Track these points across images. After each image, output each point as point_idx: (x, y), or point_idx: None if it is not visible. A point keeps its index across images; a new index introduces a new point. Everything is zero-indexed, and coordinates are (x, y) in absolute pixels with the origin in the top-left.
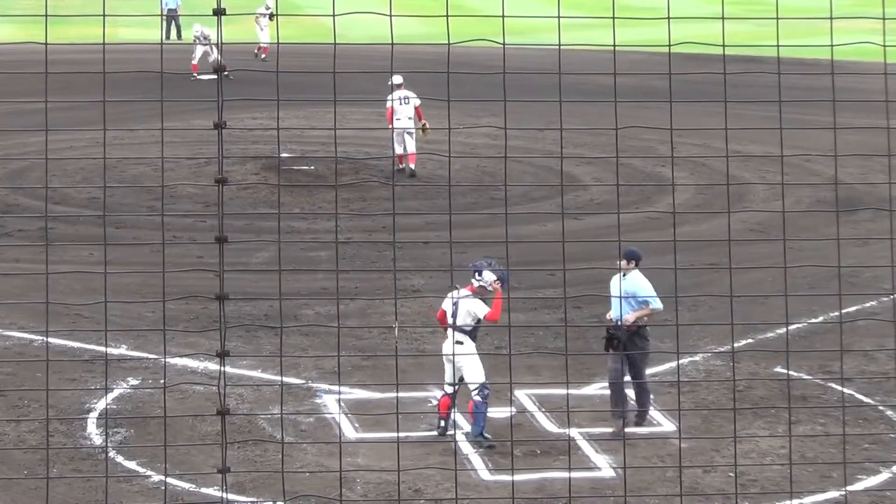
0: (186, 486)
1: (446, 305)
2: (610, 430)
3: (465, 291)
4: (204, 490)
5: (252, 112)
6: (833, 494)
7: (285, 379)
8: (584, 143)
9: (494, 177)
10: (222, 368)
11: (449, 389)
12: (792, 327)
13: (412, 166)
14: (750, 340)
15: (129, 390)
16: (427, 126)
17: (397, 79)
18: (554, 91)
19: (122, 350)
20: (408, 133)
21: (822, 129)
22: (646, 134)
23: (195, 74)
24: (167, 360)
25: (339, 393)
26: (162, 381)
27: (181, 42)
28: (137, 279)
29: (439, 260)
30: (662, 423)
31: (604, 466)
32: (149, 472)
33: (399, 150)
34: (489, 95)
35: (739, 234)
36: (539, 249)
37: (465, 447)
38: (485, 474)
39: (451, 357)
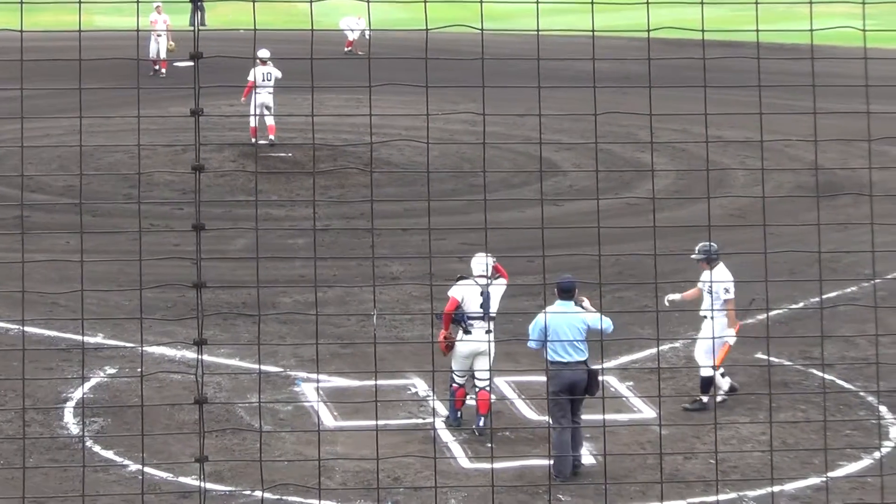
0: (164, 475)
1: (458, 293)
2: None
3: (481, 280)
4: (181, 479)
5: (229, 99)
6: (814, 480)
7: (263, 367)
8: (564, 128)
9: (473, 163)
10: (200, 357)
11: (462, 380)
12: (772, 313)
13: (272, 137)
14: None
15: (105, 379)
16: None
17: (264, 53)
18: (533, 77)
19: (99, 339)
20: (266, 107)
21: (802, 115)
22: (625, 119)
23: (161, 70)
24: (144, 348)
25: (318, 381)
26: (139, 369)
27: (205, 28)
28: (114, 267)
29: (418, 247)
30: (643, 409)
31: (584, 453)
32: (126, 462)
33: (253, 123)
34: (468, 81)
35: (719, 220)
36: (518, 236)
37: (445, 435)
38: (464, 462)
39: (484, 349)
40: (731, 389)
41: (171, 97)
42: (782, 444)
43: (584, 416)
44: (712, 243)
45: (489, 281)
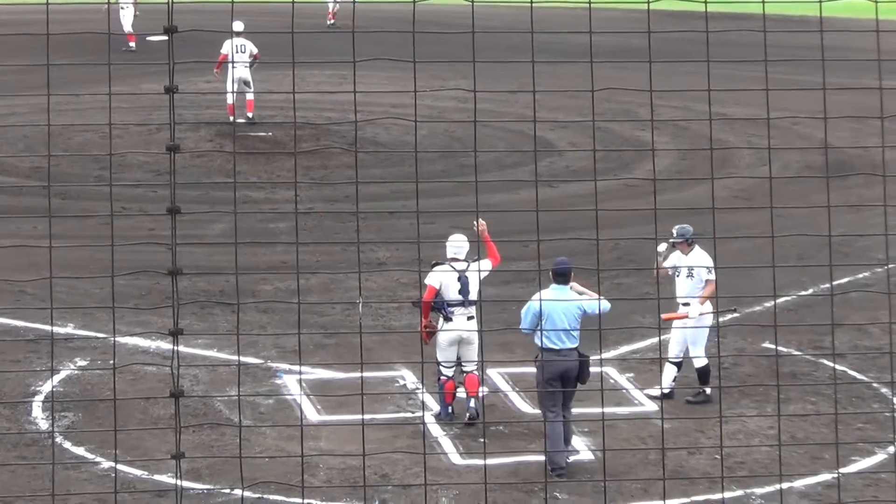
0: (138, 472)
1: (435, 280)
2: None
3: (458, 264)
4: (157, 477)
5: (205, 75)
6: (825, 477)
7: (243, 358)
8: (559, 105)
9: (464, 142)
10: (175, 348)
11: (450, 372)
12: (780, 300)
13: (250, 114)
14: (736, 314)
15: (76, 372)
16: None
17: (238, 25)
18: (526, 51)
19: (69, 329)
20: (244, 82)
21: (810, 90)
22: (624, 96)
23: (130, 44)
24: (117, 339)
25: (300, 373)
26: (111, 361)
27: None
28: (84, 254)
29: (406, 231)
30: (644, 402)
31: (582, 449)
32: (98, 459)
33: (231, 101)
34: (457, 55)
35: (724, 202)
36: (511, 219)
37: (435, 429)
38: (455, 458)
39: (466, 336)
40: (704, 376)
41: (144, 73)
42: (791, 439)
43: (582, 409)
44: (687, 226)
45: (467, 264)
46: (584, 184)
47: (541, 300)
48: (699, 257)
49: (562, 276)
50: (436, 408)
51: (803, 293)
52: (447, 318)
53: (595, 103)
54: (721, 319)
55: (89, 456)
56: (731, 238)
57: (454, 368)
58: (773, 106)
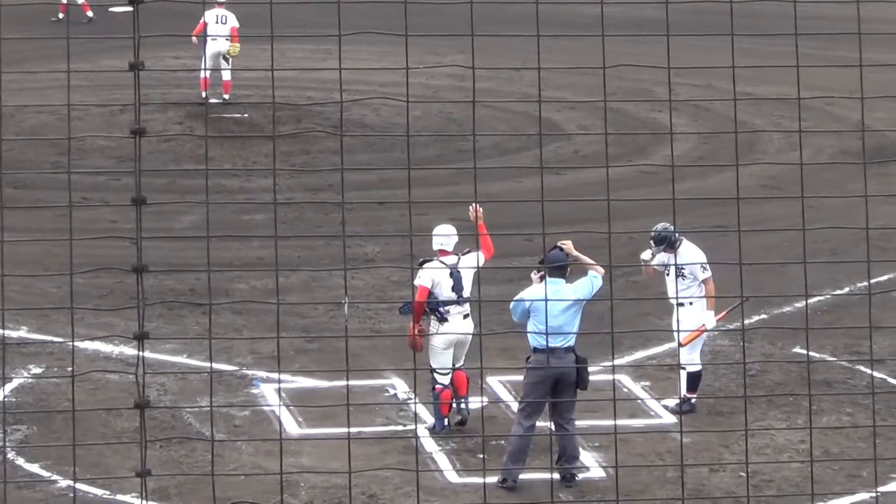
0: (99, 492)
1: (427, 280)
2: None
3: (448, 259)
4: (120, 497)
5: (174, 50)
6: (863, 496)
7: (215, 365)
8: (567, 84)
9: (461, 125)
10: (140, 353)
11: (446, 380)
12: (812, 300)
13: (226, 96)
14: (763, 316)
15: (30, 380)
16: (234, 49)
17: None
18: (531, 23)
19: (22, 332)
20: (223, 57)
21: (846, 67)
22: (639, 73)
23: (87, 13)
24: (75, 343)
25: (279, 381)
26: (69, 368)
27: None
28: (40, 248)
29: (396, 223)
30: (661, 414)
31: (593, 465)
32: (55, 477)
33: (205, 75)
34: (454, 29)
35: (750, 191)
36: (514, 210)
37: (429, 444)
38: (452, 476)
39: (464, 338)
40: (693, 382)
41: (105, 48)
42: (825, 454)
43: (592, 422)
44: (665, 224)
45: (457, 257)
46: (595, 171)
47: (535, 292)
48: (689, 254)
49: (558, 269)
50: (430, 420)
51: (838, 292)
52: (442, 320)
53: (607, 81)
54: (747, 321)
55: (45, 473)
56: (757, 231)
57: (450, 375)
58: (805, 84)
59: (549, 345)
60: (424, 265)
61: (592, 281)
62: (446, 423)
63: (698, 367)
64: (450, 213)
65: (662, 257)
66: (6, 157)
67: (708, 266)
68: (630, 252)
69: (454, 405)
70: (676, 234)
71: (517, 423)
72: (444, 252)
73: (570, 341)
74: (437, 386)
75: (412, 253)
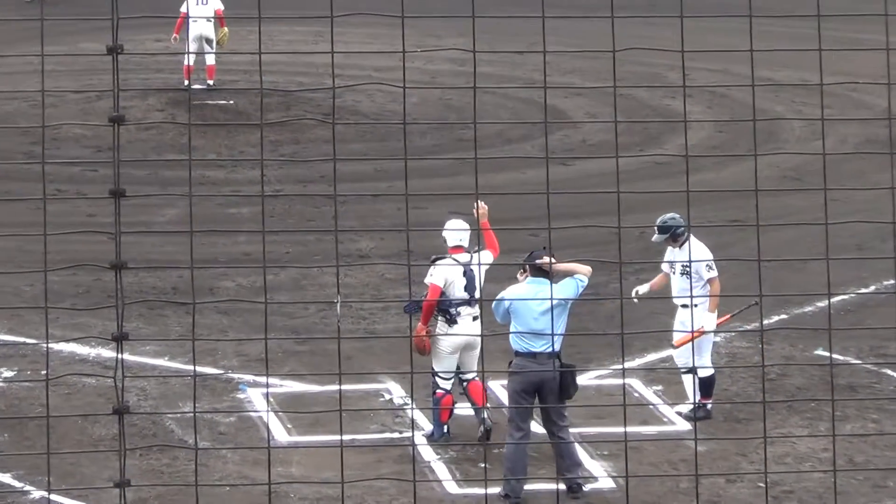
0: (75, 503)
1: (440, 279)
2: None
3: (461, 256)
4: None
5: (155, 32)
6: None
7: (199, 368)
8: (574, 69)
9: (461, 112)
10: (119, 355)
11: (448, 385)
12: (836, 299)
13: (210, 82)
14: (784, 316)
15: (1, 384)
16: (225, 36)
17: None
18: (536, 4)
19: None
20: (206, 40)
21: (872, 51)
22: (651, 57)
23: None
24: (50, 345)
25: (268, 385)
26: (43, 372)
27: None
28: (12, 244)
29: (392, 217)
30: (675, 421)
31: (601, 475)
32: (27, 487)
33: (189, 62)
34: (454, 10)
35: (770, 183)
36: (518, 203)
37: (426, 452)
38: (451, 486)
39: (473, 341)
40: (707, 388)
41: (82, 30)
42: (849, 463)
43: (601, 429)
44: (674, 215)
45: (471, 255)
46: (604, 161)
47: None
48: (695, 251)
49: (539, 269)
50: (428, 427)
51: (863, 291)
52: (451, 321)
53: (617, 66)
54: (766, 322)
55: (16, 484)
56: (777, 226)
57: (452, 380)
58: (828, 69)
59: (530, 349)
60: (436, 263)
61: (578, 282)
62: (445, 430)
63: (710, 372)
64: (449, 206)
65: (668, 254)
66: None
67: (714, 265)
68: (642, 248)
69: (478, 419)
70: (682, 227)
71: (509, 434)
72: (459, 249)
73: (553, 345)
74: (437, 391)
75: (409, 249)
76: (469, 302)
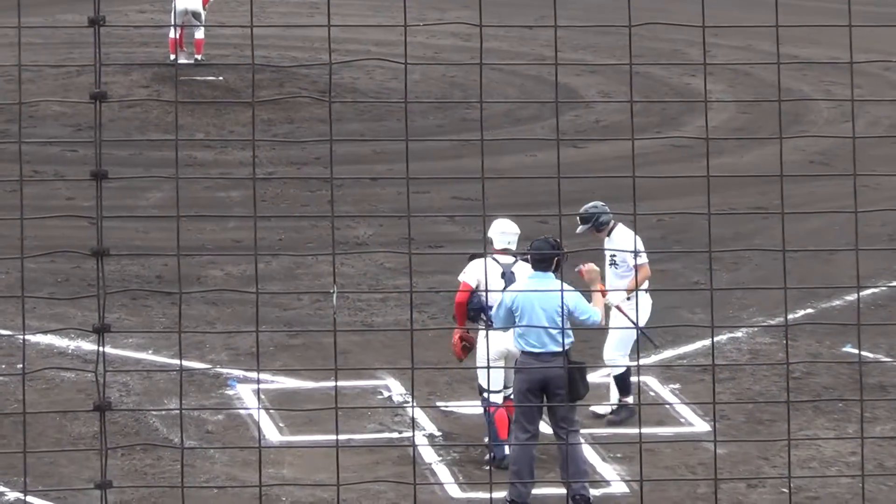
0: None
1: (472, 277)
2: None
3: (504, 258)
4: None
5: (140, 3)
6: None
7: (185, 363)
8: (588, 44)
9: (466, 90)
10: (100, 348)
11: (498, 399)
12: (865, 293)
13: (199, 56)
14: (810, 310)
15: None
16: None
17: None
18: None
19: None
20: (193, 14)
21: None
22: (670, 32)
23: None
24: (26, 337)
25: (258, 381)
26: (20, 365)
27: None
28: None
29: (392, 202)
30: (693, 421)
31: (614, 479)
32: (2, 488)
33: (173, 35)
34: None
35: (796, 168)
36: (527, 188)
37: (427, 454)
38: (453, 490)
39: (511, 347)
40: (624, 384)
41: (62, 1)
42: (878, 467)
43: (614, 430)
44: (597, 203)
45: (515, 259)
46: (619, 143)
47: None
48: (621, 239)
49: (541, 262)
50: (429, 426)
51: (895, 284)
52: (490, 326)
53: (633, 41)
54: (791, 316)
55: None
56: (803, 213)
57: (502, 393)
58: (858, 47)
59: (533, 350)
60: (472, 261)
61: (590, 310)
62: (507, 451)
63: (622, 369)
64: (453, 191)
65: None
66: None
67: (643, 253)
68: (660, 236)
69: (489, 448)
70: (606, 216)
71: (514, 435)
72: (505, 252)
73: (558, 345)
74: (489, 406)
75: (410, 236)
76: None
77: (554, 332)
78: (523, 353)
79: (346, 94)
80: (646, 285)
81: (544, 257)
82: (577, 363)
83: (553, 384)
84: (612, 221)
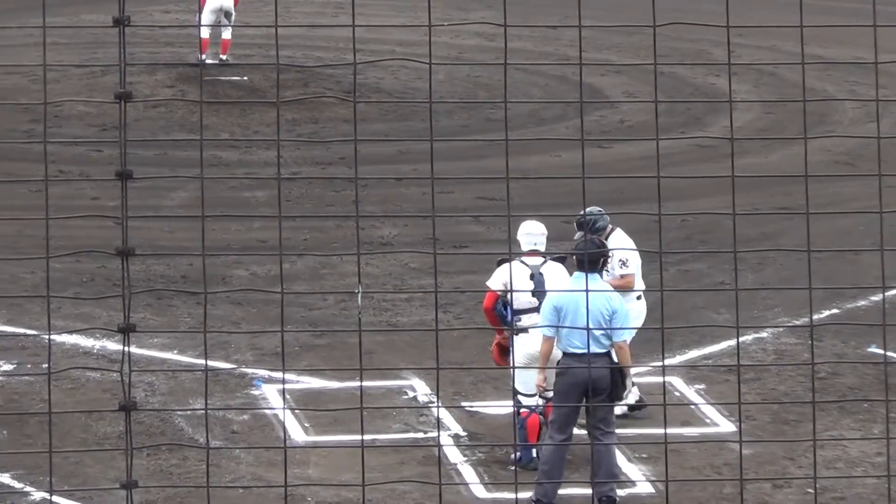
0: None
1: (497, 283)
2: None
3: (532, 260)
4: None
5: (164, 3)
6: None
7: (210, 363)
8: (612, 44)
9: (491, 90)
10: (126, 348)
11: (531, 402)
12: (891, 293)
13: (224, 56)
14: (835, 311)
15: (0, 378)
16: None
17: None
18: None
19: None
20: (225, 13)
21: None
22: (694, 32)
23: None
24: (52, 337)
25: (283, 381)
26: (45, 365)
27: None
28: (12, 229)
29: (417, 202)
30: (719, 422)
31: (639, 479)
32: (28, 488)
33: (206, 35)
34: None
35: (821, 168)
36: (551, 188)
37: (453, 454)
38: (479, 490)
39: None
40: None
41: (87, 1)
42: None
43: (639, 430)
44: (592, 209)
45: (543, 259)
46: (644, 144)
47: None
48: (619, 244)
49: (588, 263)
50: (454, 426)
51: None
52: (520, 331)
53: (658, 41)
54: (816, 316)
55: (16, 484)
56: (828, 214)
57: (536, 398)
58: (884, 47)
59: (577, 351)
60: (500, 266)
61: (627, 323)
62: (535, 454)
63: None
64: (477, 191)
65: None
66: None
67: (629, 264)
68: (684, 236)
69: (514, 451)
70: (601, 222)
71: (549, 436)
72: (533, 254)
73: (601, 346)
74: (522, 410)
75: (434, 236)
76: (537, 309)
77: (597, 333)
78: (566, 354)
79: (370, 94)
80: (637, 293)
81: (592, 258)
82: (620, 366)
83: (596, 385)
84: (610, 226)
